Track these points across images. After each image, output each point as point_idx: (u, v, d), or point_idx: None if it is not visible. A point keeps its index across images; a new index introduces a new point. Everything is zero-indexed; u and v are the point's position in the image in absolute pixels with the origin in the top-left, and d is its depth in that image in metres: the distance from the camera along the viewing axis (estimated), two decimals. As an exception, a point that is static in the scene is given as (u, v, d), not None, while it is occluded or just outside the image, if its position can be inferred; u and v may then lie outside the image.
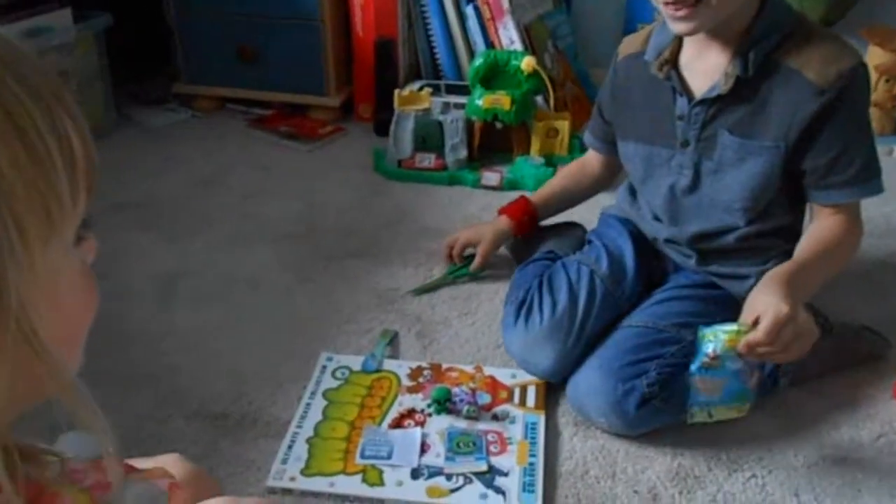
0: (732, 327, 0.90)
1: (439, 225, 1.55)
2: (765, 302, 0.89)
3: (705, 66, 1.01)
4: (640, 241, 1.19)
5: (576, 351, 1.09)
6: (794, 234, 1.10)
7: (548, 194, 1.34)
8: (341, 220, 1.59)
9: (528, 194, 1.37)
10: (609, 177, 1.31)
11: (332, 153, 1.88)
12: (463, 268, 1.38)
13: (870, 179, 0.99)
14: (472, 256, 1.36)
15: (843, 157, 0.97)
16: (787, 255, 1.07)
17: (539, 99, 1.79)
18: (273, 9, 1.93)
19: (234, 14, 1.96)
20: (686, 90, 1.03)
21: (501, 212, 1.35)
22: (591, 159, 1.30)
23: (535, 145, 1.74)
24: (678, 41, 1.04)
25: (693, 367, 0.93)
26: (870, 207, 1.08)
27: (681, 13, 0.92)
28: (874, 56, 1.84)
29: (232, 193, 1.69)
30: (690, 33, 0.97)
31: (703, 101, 1.01)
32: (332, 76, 1.98)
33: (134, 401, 1.10)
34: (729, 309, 1.01)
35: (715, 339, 0.90)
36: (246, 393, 1.13)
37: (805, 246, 1.03)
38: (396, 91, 1.74)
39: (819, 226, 1.03)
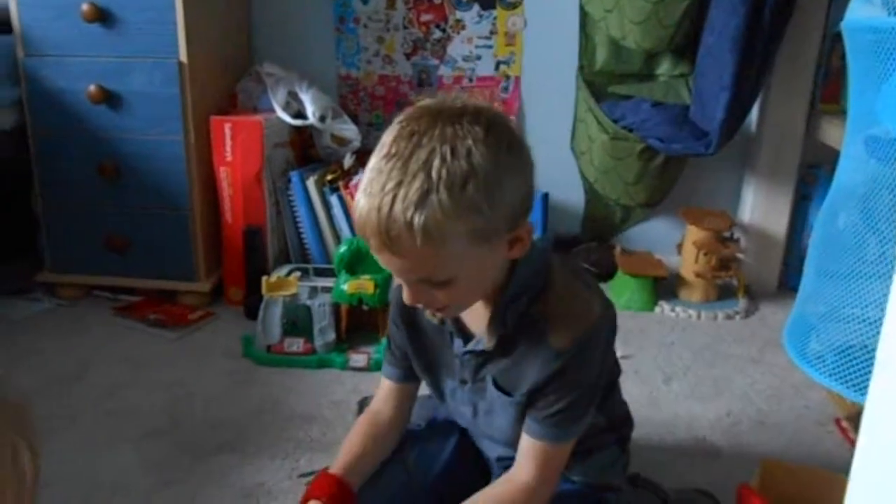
0: None
1: (308, 411, 1.58)
2: None
3: (475, 312, 1.02)
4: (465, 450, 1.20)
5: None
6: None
7: (349, 460, 1.10)
8: (208, 412, 1.59)
9: (330, 468, 1.10)
10: (401, 415, 1.18)
11: (200, 340, 1.90)
12: None
13: (563, 426, 1.00)
14: None
15: (550, 397, 0.99)
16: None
17: (403, 279, 1.90)
18: (142, 199, 1.98)
19: (104, 204, 1.99)
20: (462, 330, 1.04)
21: (307, 496, 1.06)
22: (380, 404, 1.18)
23: (400, 325, 1.83)
24: None
25: None
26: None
27: (434, 311, 0.99)
28: (692, 233, 2.07)
29: (93, 389, 1.66)
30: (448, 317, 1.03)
31: (471, 351, 1.03)
32: (202, 262, 2.02)
33: None
34: None
35: None
36: None
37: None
38: (264, 278, 1.81)
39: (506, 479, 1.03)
